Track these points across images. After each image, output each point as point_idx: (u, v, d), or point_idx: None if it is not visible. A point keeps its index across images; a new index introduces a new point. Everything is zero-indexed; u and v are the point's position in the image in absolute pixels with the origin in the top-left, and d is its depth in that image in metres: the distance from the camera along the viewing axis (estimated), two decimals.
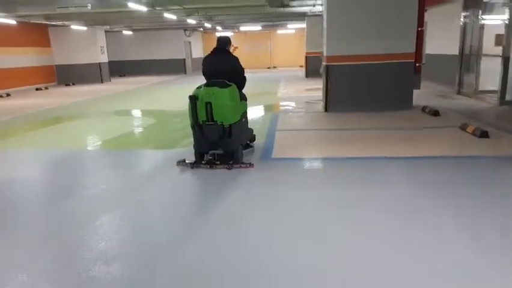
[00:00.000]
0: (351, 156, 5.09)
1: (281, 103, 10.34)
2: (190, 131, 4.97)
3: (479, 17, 9.51)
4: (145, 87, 16.78)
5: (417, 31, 8.07)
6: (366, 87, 8.36)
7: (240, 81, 5.03)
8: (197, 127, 4.75)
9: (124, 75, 23.89)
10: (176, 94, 13.93)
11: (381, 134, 6.33)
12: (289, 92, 12.73)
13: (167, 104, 11.16)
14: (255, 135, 5.67)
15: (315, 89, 12.78)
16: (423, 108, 8.08)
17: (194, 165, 4.82)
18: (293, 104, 10.20)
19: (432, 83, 12.13)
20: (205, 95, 4.62)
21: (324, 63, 8.63)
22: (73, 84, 18.71)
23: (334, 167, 4.76)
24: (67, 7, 10.23)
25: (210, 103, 4.59)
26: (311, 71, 17.84)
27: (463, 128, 6.25)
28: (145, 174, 4.93)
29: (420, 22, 8.06)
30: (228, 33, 26.89)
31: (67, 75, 18.93)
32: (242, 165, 4.73)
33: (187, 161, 4.91)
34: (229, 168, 4.66)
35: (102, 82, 19.27)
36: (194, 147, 4.90)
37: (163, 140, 6.73)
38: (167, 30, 23.26)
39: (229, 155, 4.74)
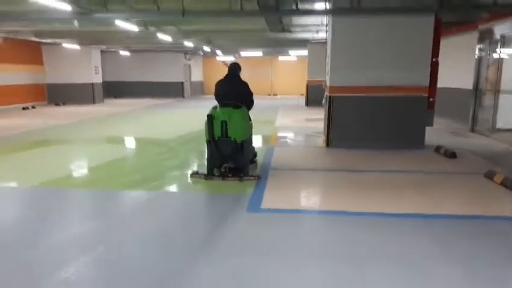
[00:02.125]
0: (356, 211, 4.13)
1: (279, 134, 9.47)
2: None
3: (497, 50, 8.74)
4: (137, 110, 15.96)
5: (432, 62, 7.26)
6: (373, 122, 7.49)
7: (249, 104, 5.65)
8: (212, 142, 5.29)
9: (119, 97, 23.17)
10: (167, 120, 13.10)
11: (390, 180, 5.39)
12: (288, 122, 11.88)
13: (153, 131, 10.27)
14: (256, 152, 6.21)
15: (316, 119, 11.97)
16: (437, 149, 7.17)
17: (207, 176, 5.33)
18: (292, 135, 9.31)
19: (442, 118, 11.28)
20: (221, 114, 5.25)
21: (326, 93, 7.79)
22: (63, 104, 17.92)
23: (334, 227, 3.79)
24: (51, 22, 9.47)
25: (226, 121, 5.22)
26: (312, 100, 17.12)
27: (489, 176, 5.31)
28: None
29: (435, 52, 7.26)
30: (229, 58, 26.44)
31: (58, 94, 18.16)
32: (251, 178, 5.29)
33: (200, 173, 5.42)
34: (240, 180, 5.20)
35: (94, 103, 18.48)
36: (207, 161, 5.44)
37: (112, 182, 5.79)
38: (166, 52, 22.67)
39: (238, 169, 5.33)
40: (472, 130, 9.63)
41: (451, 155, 6.67)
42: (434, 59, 7.28)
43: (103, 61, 23.32)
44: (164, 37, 12.52)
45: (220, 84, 5.80)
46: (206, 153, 5.54)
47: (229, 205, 4.34)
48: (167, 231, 3.66)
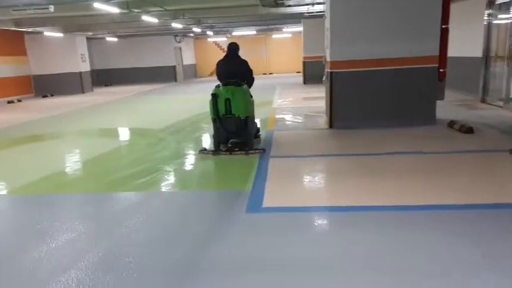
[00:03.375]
0: (375, 205, 3.57)
1: (277, 116, 8.85)
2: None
3: (510, 13, 8.06)
4: (128, 97, 15.27)
5: (441, 29, 6.60)
6: (379, 98, 6.88)
7: (250, 81, 5.95)
8: (217, 120, 5.55)
9: (110, 85, 22.41)
10: (160, 106, 12.43)
11: (406, 163, 4.82)
12: (287, 102, 11.25)
13: (144, 120, 9.64)
14: (259, 127, 6.56)
15: (315, 97, 11.35)
16: (451, 124, 6.58)
17: (215, 152, 5.62)
18: (291, 117, 8.70)
19: (449, 90, 10.60)
20: (224, 93, 5.48)
21: (327, 69, 7.15)
22: (51, 95, 17.19)
23: (348, 226, 3.21)
24: (25, 9, 8.71)
25: (229, 99, 5.45)
26: (309, 77, 16.45)
27: None
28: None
29: (445, 18, 6.59)
30: (221, 39, 25.55)
31: (45, 86, 17.40)
32: (256, 151, 5.56)
33: (207, 149, 5.73)
34: (246, 154, 5.49)
35: (83, 92, 17.75)
36: (214, 138, 5.75)
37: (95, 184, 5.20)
38: (156, 36, 21.79)
39: (244, 143, 5.62)
40: (483, 101, 9.04)
41: (467, 130, 6.09)
42: (444, 26, 6.62)
43: (90, 49, 22.50)
44: (150, 19, 11.74)
45: (221, 64, 6.00)
46: (204, 138, 6.08)
47: (225, 205, 3.78)
48: (149, 244, 3.09)
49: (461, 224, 3.11)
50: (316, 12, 12.72)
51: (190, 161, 5.67)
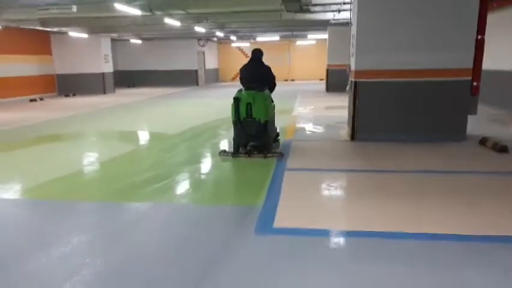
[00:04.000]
0: (396, 232, 3.20)
1: (297, 125, 8.53)
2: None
3: None
4: (148, 100, 15.23)
5: (477, 40, 6.17)
6: (405, 111, 6.48)
7: (271, 86, 6.10)
8: (238, 123, 5.70)
9: (133, 86, 22.54)
10: (178, 110, 12.28)
11: (433, 184, 4.41)
12: (307, 111, 10.91)
13: (162, 123, 9.48)
14: (279, 132, 6.61)
15: (337, 107, 11.00)
16: (483, 141, 6.13)
17: (234, 154, 5.77)
18: (311, 126, 8.36)
19: (480, 104, 10.09)
20: (246, 97, 5.65)
21: (351, 79, 6.80)
22: (74, 95, 17.34)
23: (371, 255, 2.87)
24: (48, 8, 8.71)
25: (250, 103, 5.61)
26: (332, 85, 16.08)
27: None
28: None
29: (481, 28, 6.16)
30: (244, 44, 25.44)
31: (68, 85, 17.59)
32: (274, 154, 5.71)
33: (227, 151, 5.90)
34: (265, 157, 5.62)
35: (105, 93, 17.85)
36: (234, 140, 5.88)
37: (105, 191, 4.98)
38: (179, 39, 21.85)
39: (263, 146, 5.72)
40: None
41: (501, 148, 5.63)
42: (479, 37, 6.18)
43: (115, 50, 22.78)
44: (173, 22, 11.64)
45: (244, 69, 6.17)
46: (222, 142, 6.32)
47: (233, 223, 3.47)
48: (146, 265, 2.82)
49: (504, 259, 2.73)
50: (342, 19, 12.38)
51: (202, 168, 5.43)
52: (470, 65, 6.23)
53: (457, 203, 3.79)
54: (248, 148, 5.83)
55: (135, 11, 8.90)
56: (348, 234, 3.23)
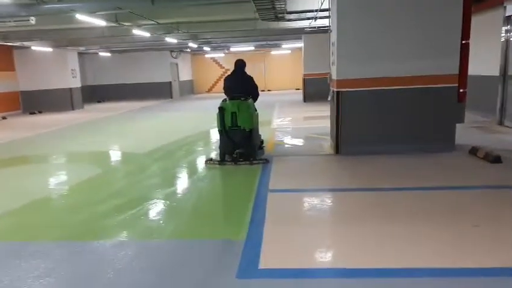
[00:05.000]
0: (401, 268, 2.75)
1: (276, 138, 8.07)
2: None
3: None
4: (118, 115, 14.52)
5: (461, 45, 5.89)
6: (392, 121, 6.13)
7: (255, 96, 6.30)
8: (224, 132, 5.80)
9: (103, 101, 21.68)
10: (150, 125, 11.64)
11: (431, 202, 4.01)
12: (286, 122, 10.50)
13: (130, 141, 8.86)
14: (263, 139, 6.78)
15: (316, 117, 10.64)
16: (473, 151, 5.81)
17: (221, 162, 5.90)
18: (291, 139, 7.93)
19: None
20: (230, 106, 5.77)
21: (333, 88, 6.41)
22: (40, 112, 16.41)
23: None
24: (3, 21, 8.01)
25: (235, 112, 5.73)
26: (310, 95, 15.79)
27: None
28: None
29: (466, 32, 5.89)
30: (218, 55, 24.99)
31: (33, 102, 16.64)
32: (260, 161, 5.84)
33: (214, 159, 6.01)
34: (251, 164, 5.74)
35: (73, 109, 16.99)
36: (220, 148, 6.00)
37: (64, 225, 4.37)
38: (151, 51, 21.19)
39: (248, 154, 5.82)
40: (500, 123, 8.30)
41: (495, 159, 5.31)
42: (463, 41, 5.91)
43: (83, 64, 21.94)
44: (142, 33, 11.06)
45: (228, 79, 6.40)
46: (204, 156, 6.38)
47: (209, 265, 2.93)
48: None
49: None
50: (318, 27, 12.10)
51: (176, 193, 4.86)
52: (456, 71, 5.94)
53: (464, 226, 3.37)
54: (234, 155, 5.87)
55: (100, 22, 8.30)
56: (344, 272, 2.74)
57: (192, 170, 6.04)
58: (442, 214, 3.66)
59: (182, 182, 5.42)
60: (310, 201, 4.24)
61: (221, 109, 5.82)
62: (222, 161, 5.94)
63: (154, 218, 4.04)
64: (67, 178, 5.93)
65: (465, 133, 7.27)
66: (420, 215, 3.66)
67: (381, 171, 5.22)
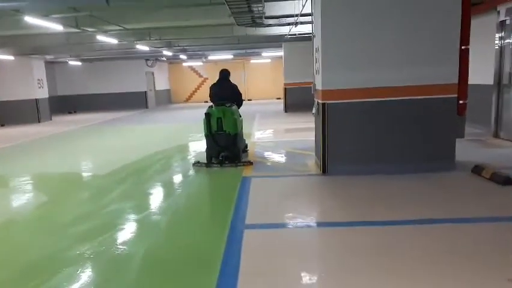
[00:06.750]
0: None
1: (256, 155, 7.26)
2: None
3: None
4: (87, 128, 13.48)
5: (460, 51, 5.25)
6: (385, 136, 5.42)
7: (239, 102, 6.86)
8: (210, 136, 6.27)
9: (75, 112, 20.55)
10: (120, 139, 10.69)
11: (445, 242, 3.27)
12: (267, 135, 9.73)
13: (94, 159, 7.92)
14: (247, 144, 7.26)
15: (299, 129, 9.94)
16: (477, 170, 5.15)
17: (207, 165, 6.29)
18: (272, 155, 7.15)
19: None
20: (216, 112, 6.24)
21: (318, 100, 5.67)
22: (2, 125, 15.20)
23: None
24: None
25: (221, 118, 6.21)
26: (291, 105, 15.11)
27: None
28: None
29: (465, 37, 5.25)
30: (196, 63, 24.16)
31: None
32: (245, 163, 6.25)
33: (201, 162, 6.35)
34: (236, 166, 6.16)
35: (39, 122, 15.84)
36: (206, 152, 6.43)
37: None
38: (125, 60, 20.22)
39: (233, 157, 6.26)
40: (496, 136, 7.72)
41: (505, 181, 4.63)
42: (463, 47, 5.27)
43: (53, 74, 20.80)
44: (108, 40, 10.16)
45: (213, 87, 6.85)
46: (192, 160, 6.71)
47: None
48: None
49: None
50: (299, 34, 11.43)
51: (135, 238, 3.98)
52: (455, 80, 5.29)
53: (499, 284, 2.62)
54: (220, 158, 6.21)
55: (56, 26, 7.38)
56: None
57: (165, 198, 5.18)
58: (461, 263, 2.90)
59: (146, 221, 4.53)
60: (295, 242, 3.44)
61: (207, 115, 6.21)
62: (208, 163, 6.28)
63: (98, 271, 3.16)
64: (5, 209, 4.97)
65: (461, 147, 6.59)
66: (432, 263, 2.90)
67: (374, 198, 4.47)
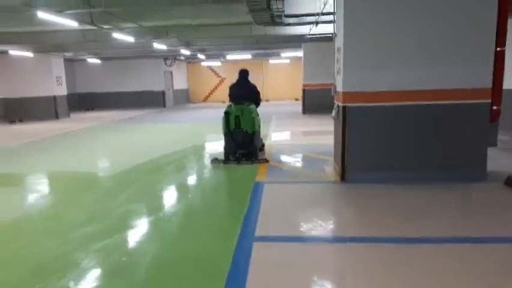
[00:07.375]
0: None
1: (271, 157, 6.94)
2: None
3: None
4: (104, 125, 13.41)
5: (496, 53, 4.83)
6: (410, 143, 5.05)
7: (257, 102, 6.92)
8: (228, 134, 6.44)
9: (92, 109, 20.65)
10: (136, 137, 10.53)
11: (480, 266, 2.91)
12: (283, 138, 9.42)
13: (106, 159, 7.76)
14: (264, 143, 7.26)
15: (317, 132, 9.58)
16: (510, 181, 4.72)
17: (225, 162, 6.45)
18: (288, 159, 6.83)
19: None
20: (235, 111, 6.43)
21: (338, 103, 5.33)
22: (20, 121, 15.31)
23: None
24: None
25: (239, 116, 6.40)
26: (309, 107, 14.74)
27: None
28: None
29: (501, 38, 4.83)
30: (215, 63, 24.04)
31: (14, 110, 15.54)
32: (261, 161, 6.40)
33: (219, 159, 6.53)
34: (252, 163, 6.31)
35: (57, 118, 15.92)
36: (224, 149, 6.55)
37: None
38: (144, 58, 20.19)
39: (250, 154, 6.42)
40: None
41: None
42: (498, 49, 4.85)
43: (73, 71, 20.96)
44: (124, 37, 10.02)
45: (233, 87, 6.98)
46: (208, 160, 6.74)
47: None
48: None
49: None
50: (319, 34, 11.06)
51: (141, 249, 3.73)
52: (489, 84, 4.87)
53: None
54: (237, 156, 6.39)
55: (70, 23, 7.24)
56: None
57: (177, 203, 4.94)
58: None
59: (150, 230, 4.29)
60: (308, 258, 3.12)
61: (226, 113, 6.39)
62: (226, 160, 6.43)
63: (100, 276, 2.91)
64: (8, 209, 4.80)
65: (492, 156, 6.16)
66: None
67: (398, 211, 4.10)
